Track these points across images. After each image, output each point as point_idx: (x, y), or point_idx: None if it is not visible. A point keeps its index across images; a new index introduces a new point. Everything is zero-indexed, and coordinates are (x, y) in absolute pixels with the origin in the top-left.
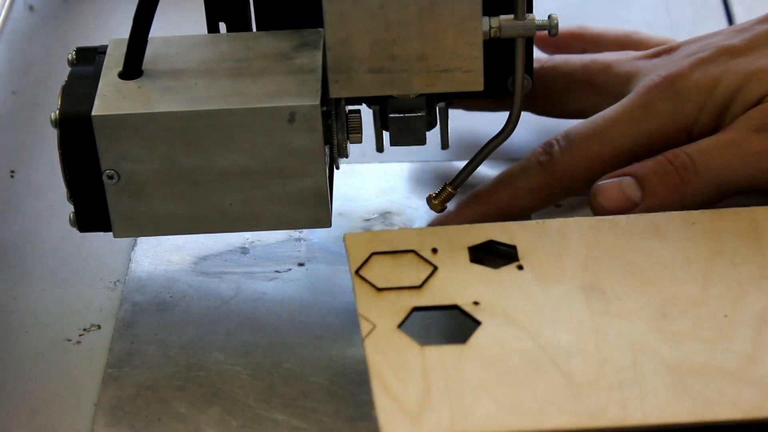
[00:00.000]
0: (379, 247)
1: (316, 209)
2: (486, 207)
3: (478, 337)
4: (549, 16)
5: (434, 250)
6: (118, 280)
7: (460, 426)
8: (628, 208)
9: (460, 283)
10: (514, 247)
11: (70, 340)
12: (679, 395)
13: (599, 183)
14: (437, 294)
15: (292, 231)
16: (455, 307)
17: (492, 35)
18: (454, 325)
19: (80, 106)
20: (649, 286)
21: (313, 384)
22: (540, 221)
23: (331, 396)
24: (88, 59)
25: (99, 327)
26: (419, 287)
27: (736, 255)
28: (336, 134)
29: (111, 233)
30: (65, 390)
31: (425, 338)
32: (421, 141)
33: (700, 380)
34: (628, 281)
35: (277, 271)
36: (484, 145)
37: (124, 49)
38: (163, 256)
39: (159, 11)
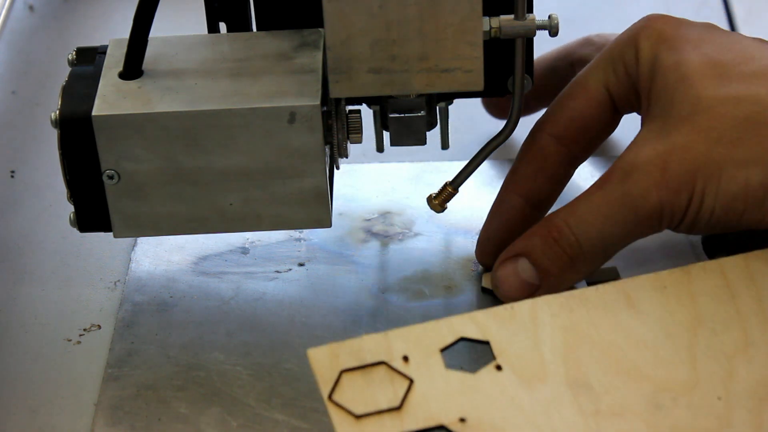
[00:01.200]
0: (346, 362)
1: (317, 209)
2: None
3: None
4: (549, 16)
5: (405, 358)
6: (118, 280)
7: None
8: (530, 291)
9: (441, 396)
10: (487, 343)
11: (70, 340)
12: None
13: (497, 272)
14: (419, 413)
15: (292, 231)
16: (442, 428)
17: (492, 35)
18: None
19: (80, 106)
20: (635, 373)
21: (314, 384)
22: (508, 306)
23: None
24: (88, 59)
25: (99, 327)
26: (399, 408)
27: (716, 321)
28: (336, 134)
29: (111, 233)
30: (65, 390)
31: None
32: (421, 141)
33: None
34: (613, 370)
35: (277, 271)
36: (484, 145)
37: (124, 49)
38: (163, 256)
39: (159, 11)
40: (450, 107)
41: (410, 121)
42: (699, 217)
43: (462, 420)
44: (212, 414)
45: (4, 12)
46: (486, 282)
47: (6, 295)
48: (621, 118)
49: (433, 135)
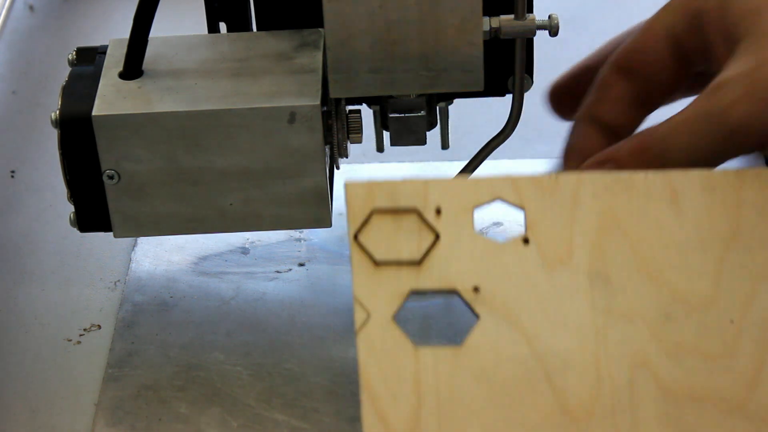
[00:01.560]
0: (381, 201)
1: (317, 209)
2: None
3: (474, 336)
4: (549, 16)
5: (438, 211)
6: (119, 280)
7: None
8: None
9: (462, 259)
10: (522, 209)
11: (70, 340)
12: (671, 428)
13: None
14: (437, 273)
15: (292, 231)
16: (455, 293)
17: (492, 35)
18: (452, 315)
19: (80, 106)
20: (656, 276)
21: (314, 384)
22: (553, 176)
23: (332, 396)
24: (88, 59)
25: (99, 327)
26: (418, 263)
27: (753, 238)
28: (336, 134)
29: (111, 233)
30: (65, 390)
31: (421, 331)
32: (421, 141)
33: (695, 409)
34: (636, 268)
35: (278, 271)
36: (484, 145)
37: (124, 49)
38: (163, 256)
39: (159, 11)
40: (450, 107)
41: (410, 121)
42: None
43: (476, 290)
44: (212, 414)
45: (4, 12)
46: None
47: (6, 295)
48: (689, 73)
49: (433, 135)
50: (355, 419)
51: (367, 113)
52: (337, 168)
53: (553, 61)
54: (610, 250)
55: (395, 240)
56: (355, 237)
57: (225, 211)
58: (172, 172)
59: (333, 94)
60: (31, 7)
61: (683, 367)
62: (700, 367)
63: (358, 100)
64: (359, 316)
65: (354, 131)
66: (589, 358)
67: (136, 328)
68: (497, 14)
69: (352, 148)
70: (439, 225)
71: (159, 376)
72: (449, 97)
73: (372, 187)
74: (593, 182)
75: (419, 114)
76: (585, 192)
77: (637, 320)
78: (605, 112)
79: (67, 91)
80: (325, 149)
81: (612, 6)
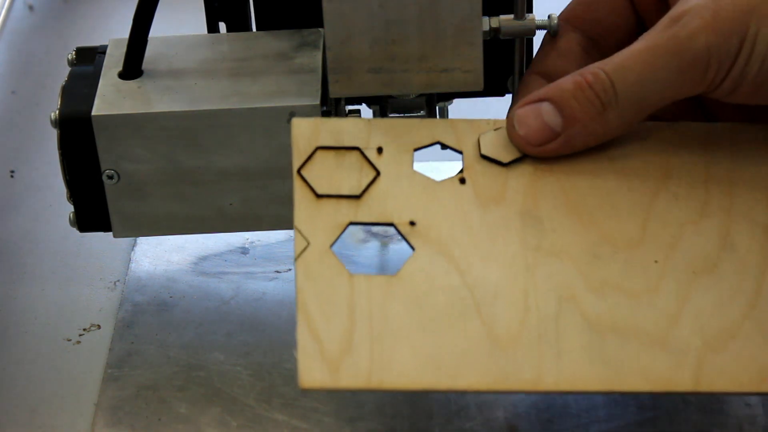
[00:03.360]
0: (325, 139)
1: None
2: None
3: (408, 267)
4: (549, 16)
5: (379, 150)
6: (118, 280)
7: (375, 380)
8: (549, 137)
9: (400, 195)
10: (460, 152)
11: (70, 340)
12: (594, 358)
13: (516, 111)
14: (375, 207)
15: (292, 231)
16: (391, 226)
17: (492, 35)
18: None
19: (80, 106)
20: (587, 218)
21: None
22: (491, 121)
23: (332, 396)
24: (88, 59)
25: (99, 327)
26: (359, 197)
27: (681, 186)
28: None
29: (111, 233)
30: (65, 390)
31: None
32: None
33: (617, 341)
34: (567, 211)
35: (277, 271)
36: None
37: (124, 49)
38: (163, 256)
39: (159, 11)
40: (450, 107)
41: None
42: (747, 69)
43: (412, 223)
44: (212, 414)
45: (4, 12)
46: (485, 147)
47: (6, 295)
48: (636, 11)
49: None
50: (355, 419)
51: (367, 113)
52: None
53: None
54: (543, 194)
55: (337, 175)
56: (298, 171)
57: (225, 211)
58: (171, 172)
59: (333, 94)
60: (31, 7)
61: (608, 302)
62: (623, 303)
63: (358, 100)
64: (299, 244)
65: None
66: (518, 290)
67: (136, 328)
68: (497, 14)
69: None
70: (380, 163)
71: (159, 376)
72: (449, 97)
73: (317, 124)
74: None
75: (419, 114)
76: None
77: (565, 258)
78: (552, 65)
79: (67, 91)
80: None
81: None
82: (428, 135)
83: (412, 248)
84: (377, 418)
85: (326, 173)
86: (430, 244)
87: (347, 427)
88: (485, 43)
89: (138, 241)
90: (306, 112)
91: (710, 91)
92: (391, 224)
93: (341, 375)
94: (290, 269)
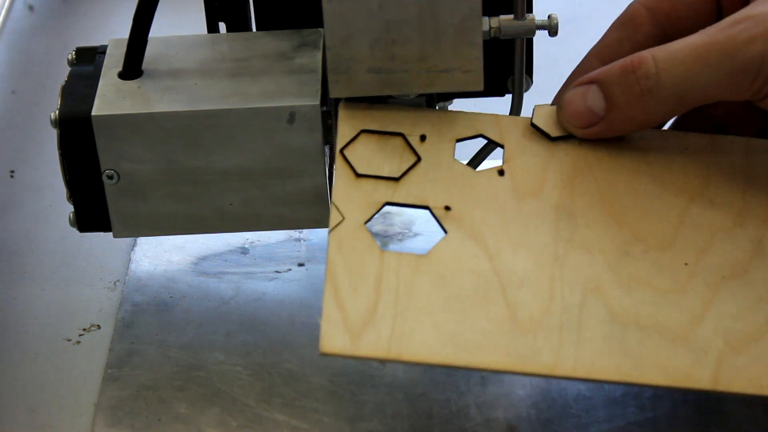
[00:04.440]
0: (370, 124)
1: (316, 209)
2: None
3: (439, 248)
4: (549, 16)
5: (422, 138)
6: (118, 280)
7: (395, 351)
8: (593, 120)
9: (438, 180)
10: (502, 146)
11: (70, 340)
12: (614, 349)
13: (566, 93)
14: (413, 190)
15: (292, 231)
16: (426, 209)
17: (492, 35)
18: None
19: (80, 106)
20: (620, 218)
21: (314, 384)
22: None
23: (332, 396)
24: (88, 59)
25: (99, 327)
26: (397, 179)
27: (718, 194)
28: (336, 134)
29: (111, 233)
30: (65, 390)
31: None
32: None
33: (639, 335)
34: (602, 208)
35: (277, 271)
36: (484, 145)
37: (124, 49)
38: (163, 256)
39: (159, 11)
40: (450, 107)
41: None
42: None
43: (447, 208)
44: (212, 414)
45: (4, 12)
46: (538, 118)
47: (6, 295)
48: (721, 14)
49: None
50: (355, 419)
51: None
52: None
53: (553, 61)
54: (579, 191)
55: (378, 157)
56: (341, 151)
57: (225, 211)
58: (171, 172)
59: (333, 94)
60: (31, 7)
61: (633, 298)
62: (649, 299)
63: (358, 100)
64: (334, 218)
65: None
66: (545, 278)
67: (136, 328)
68: (497, 14)
69: None
70: (422, 150)
71: (159, 376)
72: (449, 97)
73: (365, 109)
74: None
75: None
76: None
77: (595, 252)
78: (614, 51)
79: (67, 91)
80: (324, 149)
81: (612, 6)
82: (472, 127)
83: (445, 231)
84: (377, 418)
85: (368, 155)
86: (462, 228)
87: (347, 427)
88: (485, 43)
89: (138, 241)
90: (306, 112)
91: (755, 100)
92: (426, 207)
93: (361, 343)
94: (290, 269)
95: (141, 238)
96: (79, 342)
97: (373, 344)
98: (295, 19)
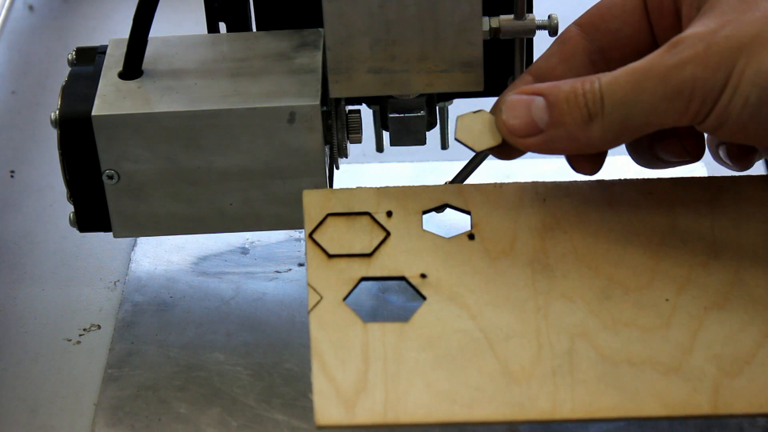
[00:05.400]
0: (335, 207)
1: None
2: None
3: (421, 314)
4: (549, 16)
5: (389, 214)
6: (118, 280)
7: (391, 415)
8: (533, 131)
9: (411, 251)
10: (468, 212)
11: (70, 340)
12: (609, 387)
13: (508, 96)
14: (387, 263)
15: (292, 231)
16: (402, 279)
17: (492, 35)
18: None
19: (80, 106)
20: (595, 265)
21: None
22: (497, 184)
23: None
24: (88, 59)
25: (99, 327)
26: (370, 255)
27: (688, 232)
28: (336, 134)
29: (111, 233)
30: (65, 390)
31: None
32: (421, 141)
33: (632, 371)
34: (577, 260)
35: (277, 271)
36: (472, 157)
37: (124, 49)
38: (163, 256)
39: (159, 11)
40: (450, 107)
41: (410, 121)
42: (731, 106)
43: (423, 276)
44: (212, 414)
45: (4, 12)
46: (461, 132)
47: (6, 295)
48: (652, 28)
49: (433, 135)
50: None
51: (367, 113)
52: (337, 168)
53: None
54: (551, 244)
55: (348, 237)
56: (310, 235)
57: (225, 211)
58: (171, 172)
59: (333, 94)
60: (31, 7)
61: (621, 338)
62: (636, 337)
63: (358, 100)
64: (312, 299)
65: (354, 131)
66: (530, 329)
67: (136, 328)
68: (497, 14)
69: (351, 148)
70: (390, 225)
71: (159, 376)
72: (449, 97)
73: (327, 194)
74: (535, 189)
75: (419, 114)
76: (527, 198)
77: (576, 299)
78: (552, 69)
79: (67, 91)
80: (324, 149)
81: None
82: (436, 198)
83: (424, 297)
84: None
85: (337, 236)
86: (441, 292)
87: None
88: (485, 43)
89: (138, 241)
90: (306, 112)
91: (696, 124)
92: (402, 278)
93: (357, 411)
94: (290, 269)
95: (141, 238)
96: (79, 342)
97: (368, 411)
98: (295, 19)
